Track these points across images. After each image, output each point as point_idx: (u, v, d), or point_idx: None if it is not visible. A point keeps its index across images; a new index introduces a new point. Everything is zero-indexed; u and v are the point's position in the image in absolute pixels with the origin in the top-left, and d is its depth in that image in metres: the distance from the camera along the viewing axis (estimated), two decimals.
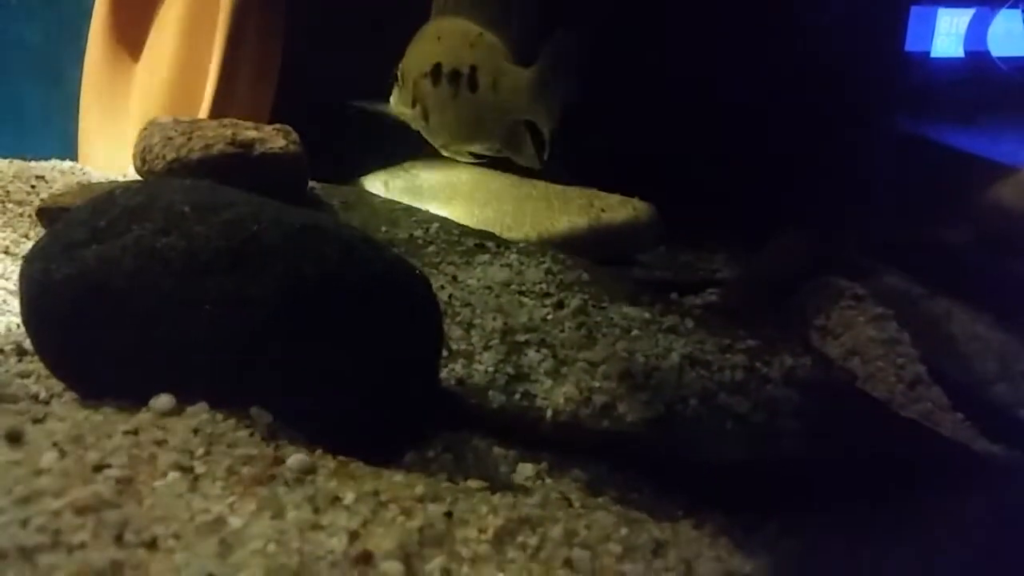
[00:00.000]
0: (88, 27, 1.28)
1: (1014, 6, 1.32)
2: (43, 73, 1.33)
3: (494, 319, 0.76)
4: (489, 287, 0.81)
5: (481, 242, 0.90)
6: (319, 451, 0.57)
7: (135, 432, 0.55)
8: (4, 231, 0.98)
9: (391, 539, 0.47)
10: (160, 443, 0.54)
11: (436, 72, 1.00)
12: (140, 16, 1.26)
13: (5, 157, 1.26)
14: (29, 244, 0.90)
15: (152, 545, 0.45)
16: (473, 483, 0.59)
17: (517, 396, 0.69)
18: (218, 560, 0.44)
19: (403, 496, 0.52)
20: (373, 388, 0.62)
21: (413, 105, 1.03)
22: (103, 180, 1.17)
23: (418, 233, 0.91)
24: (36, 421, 0.57)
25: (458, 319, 0.76)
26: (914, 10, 1.35)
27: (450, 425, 0.67)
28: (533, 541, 0.51)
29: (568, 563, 0.51)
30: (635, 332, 0.75)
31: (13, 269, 0.88)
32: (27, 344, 0.68)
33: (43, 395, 0.64)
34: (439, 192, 1.14)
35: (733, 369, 0.71)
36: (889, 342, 0.90)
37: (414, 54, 1.03)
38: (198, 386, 0.60)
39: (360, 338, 0.61)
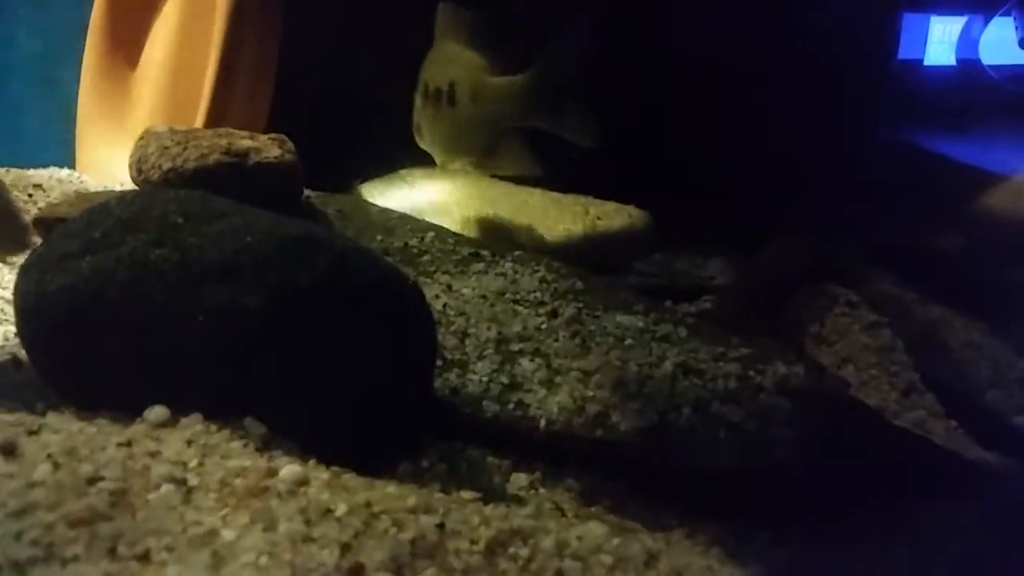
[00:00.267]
0: (85, 35, 1.28)
1: (1006, 14, 1.32)
2: (41, 81, 1.34)
3: (488, 328, 0.76)
4: (484, 296, 0.81)
5: (476, 251, 0.90)
6: (312, 462, 0.57)
7: (129, 444, 0.55)
8: None
9: (383, 551, 0.48)
10: (154, 455, 0.55)
11: (424, 92, 1.03)
12: (137, 24, 1.27)
13: (2, 166, 1.26)
14: (26, 254, 0.90)
15: (145, 558, 0.45)
16: (466, 493, 0.59)
17: (511, 405, 0.69)
18: (210, 573, 0.45)
19: (395, 507, 0.52)
20: (367, 398, 0.62)
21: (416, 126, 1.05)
22: (100, 189, 1.17)
23: (413, 242, 0.91)
24: (31, 433, 0.57)
25: (452, 328, 0.76)
26: (907, 18, 1.36)
27: (444, 435, 0.67)
28: (524, 552, 0.52)
29: (559, 574, 0.51)
30: (629, 341, 0.76)
31: (10, 279, 0.88)
32: (22, 355, 0.69)
33: (38, 406, 0.64)
34: (435, 200, 1.14)
35: (726, 378, 0.71)
36: (883, 349, 0.90)
37: (419, 78, 1.05)
38: (192, 397, 0.60)
39: (353, 348, 0.61)
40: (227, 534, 0.47)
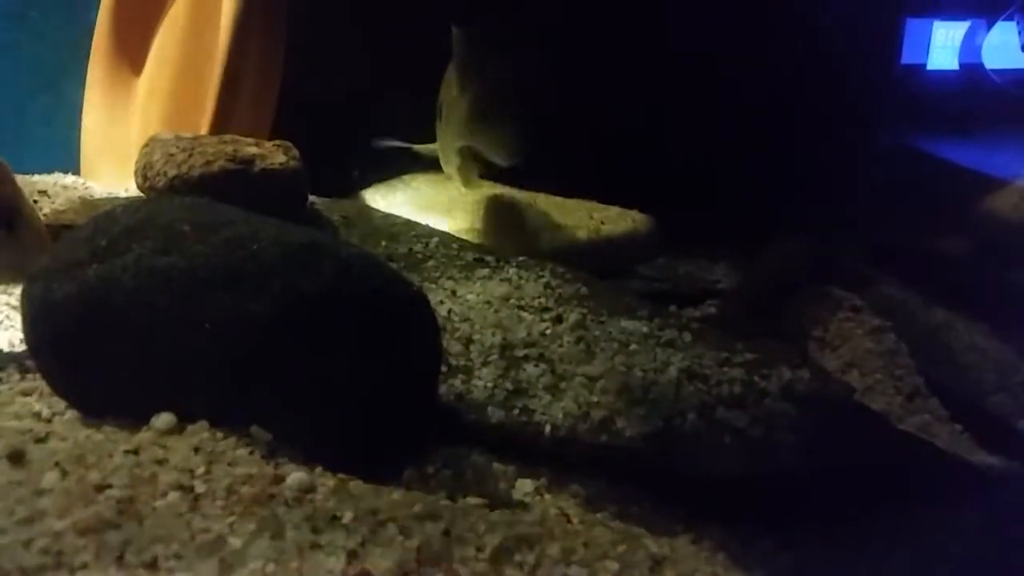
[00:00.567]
0: (91, 42, 1.29)
1: (1009, 19, 1.32)
2: (46, 88, 1.34)
3: (493, 334, 0.76)
4: (488, 302, 0.81)
5: (480, 256, 0.91)
6: (319, 469, 0.58)
7: (136, 451, 0.56)
8: None
9: (389, 558, 0.48)
10: (161, 462, 0.55)
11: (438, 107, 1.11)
12: (142, 32, 1.27)
13: None
14: None
15: (153, 565, 0.45)
16: (472, 500, 0.59)
17: (516, 411, 0.69)
18: None
19: (401, 514, 0.53)
20: (372, 405, 0.62)
21: None
22: (105, 196, 1.18)
23: (418, 248, 0.92)
24: (38, 440, 0.58)
25: (457, 334, 0.76)
26: (910, 23, 1.36)
27: (449, 441, 0.67)
28: (531, 559, 0.52)
29: None
30: (633, 346, 0.76)
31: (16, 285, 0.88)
32: (29, 362, 0.69)
33: (45, 413, 0.64)
34: (439, 205, 1.14)
35: (731, 383, 0.71)
36: (887, 354, 0.90)
37: None
38: (199, 404, 0.61)
39: (358, 355, 0.61)
40: (234, 541, 0.48)
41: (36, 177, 1.28)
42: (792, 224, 1.12)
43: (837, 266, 1.04)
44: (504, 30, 1.11)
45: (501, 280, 0.86)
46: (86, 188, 1.25)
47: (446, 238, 0.94)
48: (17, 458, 0.54)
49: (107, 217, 0.66)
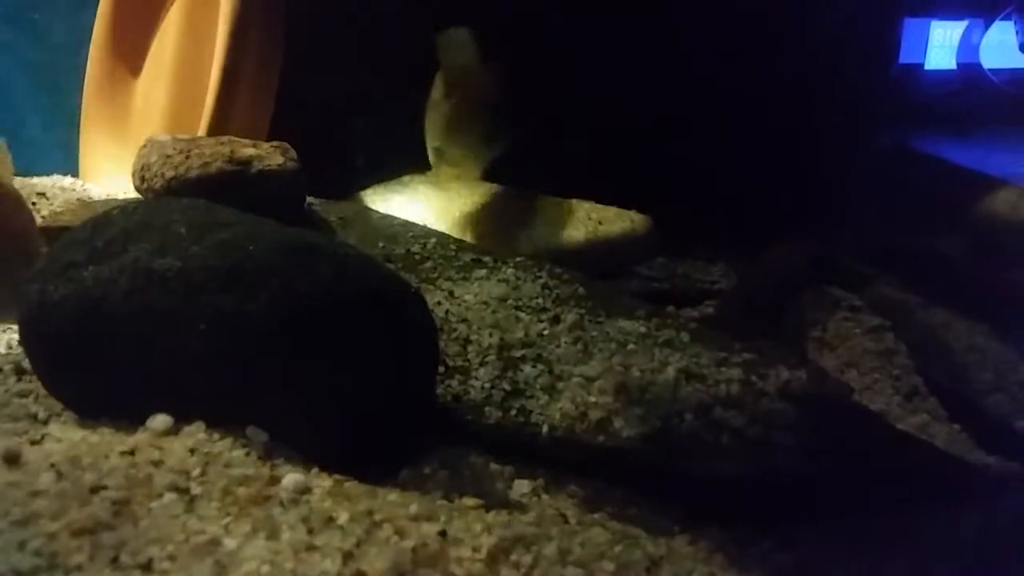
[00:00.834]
0: (89, 44, 1.29)
1: (1006, 19, 1.32)
2: (44, 89, 1.34)
3: (490, 335, 0.76)
4: (486, 302, 0.81)
5: (478, 257, 0.90)
6: (315, 470, 0.58)
7: (132, 452, 0.55)
8: None
9: (384, 559, 0.48)
10: (157, 463, 0.55)
11: None
12: (140, 33, 1.27)
13: None
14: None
15: (147, 567, 0.45)
16: (468, 501, 0.59)
17: (513, 412, 0.69)
18: None
19: (397, 515, 0.53)
20: (368, 406, 0.62)
21: None
22: (103, 197, 1.18)
23: (415, 249, 0.91)
24: (34, 442, 0.58)
25: (455, 335, 0.76)
26: (908, 23, 1.36)
27: (446, 441, 0.67)
28: (527, 560, 0.52)
29: None
30: (631, 346, 0.75)
31: None
32: (26, 363, 0.69)
33: (41, 415, 0.65)
34: (437, 206, 1.14)
35: (729, 383, 0.71)
36: (886, 353, 0.90)
37: None
38: (195, 405, 0.61)
39: (355, 356, 0.61)
40: (229, 543, 0.48)
41: (35, 179, 1.28)
42: (790, 224, 1.11)
43: (835, 266, 1.04)
44: (490, 32, 1.12)
45: (499, 281, 0.86)
46: (84, 190, 1.26)
47: (444, 239, 0.94)
48: (13, 460, 0.54)
49: (104, 219, 0.67)
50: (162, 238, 0.63)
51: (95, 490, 0.51)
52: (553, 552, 0.53)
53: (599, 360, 0.73)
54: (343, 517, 0.51)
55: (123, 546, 0.46)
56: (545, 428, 0.67)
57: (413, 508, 0.54)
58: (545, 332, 0.77)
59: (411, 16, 1.19)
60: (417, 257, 0.90)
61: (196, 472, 0.54)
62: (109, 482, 0.51)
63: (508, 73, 1.08)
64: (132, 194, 0.99)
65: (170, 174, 0.88)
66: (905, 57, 1.36)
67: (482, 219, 1.11)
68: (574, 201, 1.16)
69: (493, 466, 0.66)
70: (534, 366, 0.73)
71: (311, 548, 0.48)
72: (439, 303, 0.80)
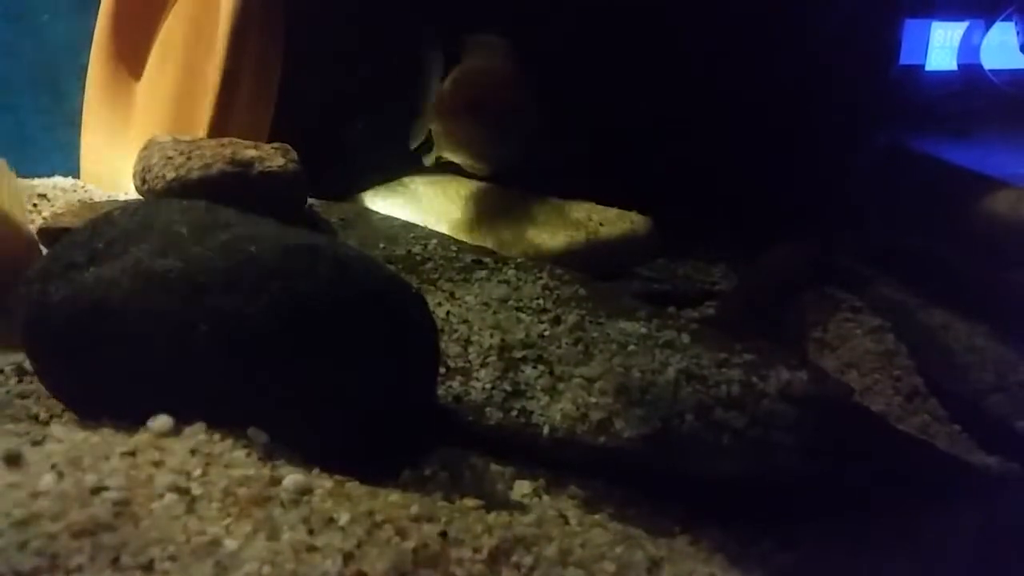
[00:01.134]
0: (90, 45, 1.29)
1: (1007, 19, 1.32)
2: (45, 91, 1.34)
3: (491, 336, 0.76)
4: (486, 303, 0.82)
5: (479, 258, 0.91)
6: (316, 471, 0.58)
7: (133, 453, 0.55)
8: None
9: (385, 560, 0.48)
10: (158, 464, 0.55)
11: None
12: (141, 35, 1.27)
13: None
14: None
15: (148, 568, 0.45)
16: (469, 501, 0.59)
17: (514, 413, 0.69)
18: None
19: (398, 516, 0.52)
20: (369, 407, 0.62)
21: None
22: (105, 199, 1.18)
23: (416, 250, 0.92)
24: (35, 443, 0.58)
25: (455, 336, 0.76)
26: (908, 23, 1.36)
27: (447, 442, 0.67)
28: (528, 561, 0.52)
29: None
30: (632, 347, 0.76)
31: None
32: (27, 364, 0.69)
33: (43, 416, 0.65)
34: (438, 207, 1.14)
35: (729, 384, 0.71)
36: (886, 354, 0.90)
37: None
38: (196, 406, 0.60)
39: (356, 357, 0.61)
40: (230, 543, 0.47)
41: (36, 181, 1.28)
42: (791, 225, 1.11)
43: (836, 267, 1.04)
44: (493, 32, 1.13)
45: (499, 282, 0.86)
46: (85, 191, 1.26)
47: (445, 240, 0.95)
48: (14, 460, 0.54)
49: (105, 220, 0.67)
50: (163, 239, 0.63)
51: (96, 491, 0.51)
52: (554, 553, 0.53)
53: (600, 361, 0.73)
54: (344, 518, 0.51)
55: (124, 547, 0.46)
56: (546, 429, 0.68)
57: (414, 509, 0.54)
58: (546, 333, 0.77)
59: (411, 16, 1.19)
60: (418, 258, 0.90)
61: (197, 473, 0.54)
62: (110, 483, 0.51)
63: (519, 76, 1.09)
64: (133, 195, 1.00)
65: (171, 175, 0.88)
66: (906, 58, 1.37)
67: (483, 220, 1.11)
68: (575, 202, 1.16)
69: (494, 467, 0.66)
70: (535, 367, 0.73)
71: (312, 549, 0.48)
72: (440, 304, 0.80)
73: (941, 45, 1.38)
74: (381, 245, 0.92)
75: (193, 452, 0.56)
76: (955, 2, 1.37)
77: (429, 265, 0.89)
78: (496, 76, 1.09)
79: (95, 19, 1.28)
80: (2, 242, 0.83)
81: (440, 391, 0.70)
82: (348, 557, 0.48)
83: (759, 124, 1.23)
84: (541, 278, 0.87)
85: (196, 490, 0.52)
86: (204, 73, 1.12)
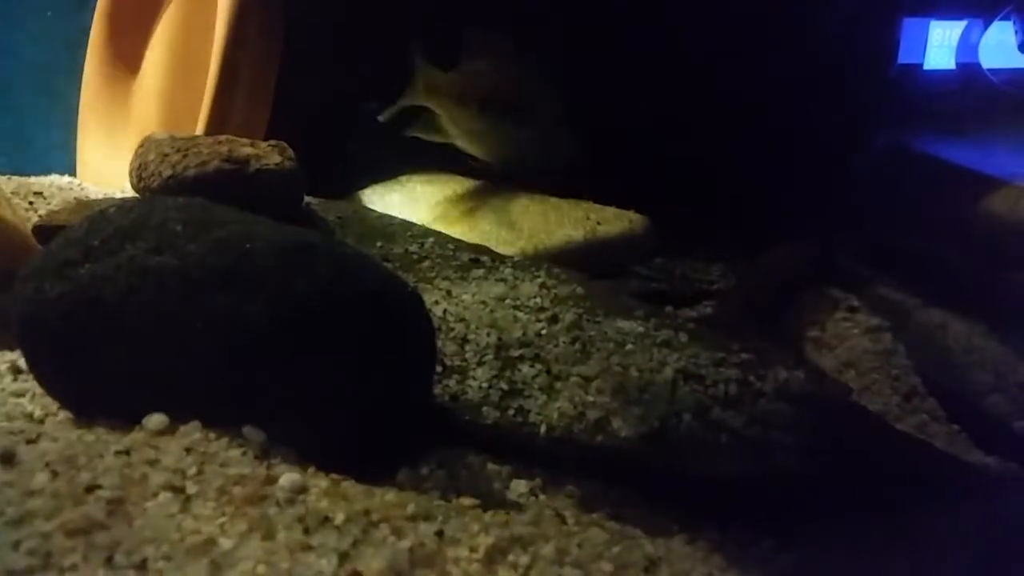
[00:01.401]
0: (86, 44, 1.28)
1: (1006, 18, 1.32)
2: (42, 90, 1.34)
3: (488, 334, 0.76)
4: (484, 302, 0.81)
5: (476, 257, 0.90)
6: (312, 469, 0.57)
7: (127, 452, 0.55)
8: None
9: (381, 559, 0.47)
10: (152, 463, 0.54)
11: None
12: (137, 33, 1.27)
13: (4, 173, 1.26)
14: None
15: (142, 567, 0.45)
16: (466, 500, 0.59)
17: (511, 412, 0.69)
18: None
19: (394, 515, 0.52)
20: (366, 405, 0.62)
21: None
22: (101, 196, 1.18)
23: (413, 248, 0.91)
24: (29, 441, 0.57)
25: (452, 334, 0.76)
26: (907, 22, 1.36)
27: (444, 441, 0.67)
28: (524, 560, 0.51)
29: None
30: (629, 346, 0.75)
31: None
32: (22, 363, 0.69)
33: (38, 414, 0.64)
34: (435, 206, 1.14)
35: (727, 383, 0.71)
36: (884, 354, 0.89)
37: None
38: (191, 405, 0.60)
39: (352, 355, 0.61)
40: (225, 543, 0.47)
41: (33, 178, 1.28)
42: (789, 225, 1.11)
43: (834, 266, 1.04)
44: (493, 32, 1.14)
45: (497, 280, 0.86)
46: (82, 189, 1.25)
47: (441, 238, 0.94)
48: (8, 459, 0.54)
49: (100, 217, 0.66)
50: (159, 236, 0.63)
51: (90, 489, 0.50)
52: (551, 552, 0.53)
53: (597, 360, 0.73)
54: (340, 517, 0.51)
55: (118, 546, 0.46)
56: (543, 428, 0.67)
57: (410, 508, 0.54)
58: (543, 332, 0.77)
59: (410, 16, 1.19)
60: (415, 256, 0.90)
61: (192, 471, 0.54)
62: (104, 481, 0.51)
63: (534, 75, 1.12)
64: (130, 193, 0.99)
65: (167, 173, 0.88)
66: (904, 57, 1.36)
67: (480, 219, 1.11)
68: (573, 201, 1.16)
69: (491, 466, 0.66)
70: (532, 366, 0.72)
71: (307, 548, 0.48)
72: (437, 302, 0.80)
73: (940, 44, 1.38)
74: (378, 243, 0.92)
75: (188, 451, 0.56)
76: (954, 1, 1.37)
77: (426, 263, 0.89)
78: (514, 73, 1.09)
79: (92, 17, 1.28)
80: None
81: (437, 390, 0.69)
82: (344, 556, 0.47)
83: (758, 124, 1.23)
84: (538, 277, 0.86)
85: (191, 489, 0.52)
86: (201, 71, 1.12)
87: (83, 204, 1.01)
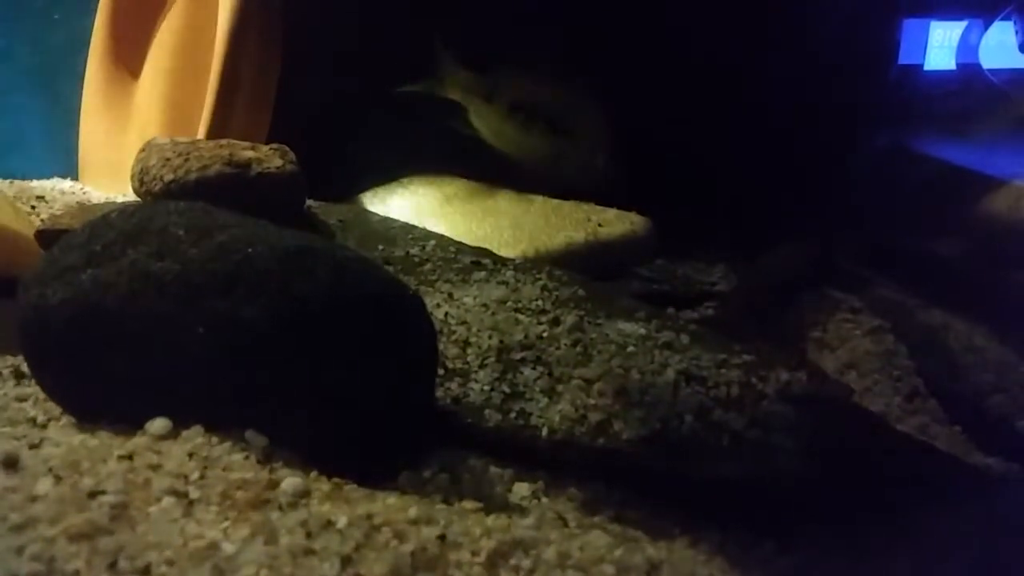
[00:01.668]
0: (88, 48, 1.29)
1: (1006, 19, 1.32)
2: (44, 94, 1.34)
3: (490, 337, 0.76)
4: (485, 305, 0.81)
5: (478, 259, 0.90)
6: (314, 473, 0.58)
7: (130, 457, 0.55)
8: None
9: (383, 563, 0.47)
10: (155, 467, 0.55)
11: None
12: (139, 37, 1.27)
13: (6, 177, 1.26)
14: None
15: (145, 572, 0.45)
16: (468, 504, 0.59)
17: (513, 415, 0.69)
18: None
19: (396, 519, 0.52)
20: (368, 409, 0.62)
21: None
22: (103, 201, 1.18)
23: (415, 251, 0.91)
24: (32, 446, 0.58)
25: (454, 337, 0.76)
26: (907, 23, 1.36)
27: (446, 444, 0.67)
28: (526, 564, 0.51)
29: None
30: (631, 348, 0.75)
31: None
32: (25, 367, 0.69)
33: (40, 419, 0.64)
34: (437, 208, 1.14)
35: (728, 385, 0.71)
36: (886, 355, 0.89)
37: None
38: (194, 409, 0.60)
39: (354, 359, 0.61)
40: (228, 547, 0.47)
41: (35, 182, 1.28)
42: (790, 226, 1.11)
43: (835, 268, 1.04)
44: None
45: (498, 283, 0.86)
46: (84, 193, 1.26)
47: (443, 241, 0.94)
48: (11, 464, 0.54)
49: (102, 222, 0.66)
50: (160, 241, 0.63)
51: (93, 495, 0.50)
52: (553, 556, 0.53)
53: (599, 362, 0.73)
54: (342, 521, 0.51)
55: (121, 551, 0.46)
56: (545, 431, 0.67)
57: (412, 512, 0.54)
58: (544, 334, 0.77)
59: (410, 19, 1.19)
60: (416, 259, 0.90)
61: (195, 476, 0.54)
62: (107, 486, 0.51)
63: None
64: (131, 197, 0.99)
65: (169, 177, 0.88)
66: (904, 58, 1.36)
67: (481, 221, 1.11)
68: (574, 203, 1.16)
69: (493, 469, 0.66)
70: (534, 368, 0.72)
71: (310, 552, 0.48)
72: (438, 305, 0.80)
73: (940, 45, 1.38)
74: (379, 247, 0.92)
75: (191, 455, 0.56)
76: (954, 1, 1.37)
77: (427, 266, 0.89)
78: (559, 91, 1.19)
79: (93, 21, 1.28)
80: None
81: (439, 393, 0.70)
82: (346, 561, 0.48)
83: (758, 125, 1.23)
84: (540, 279, 0.86)
85: (194, 493, 0.52)
86: (203, 74, 1.12)
87: (85, 208, 1.01)
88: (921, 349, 0.91)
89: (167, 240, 0.63)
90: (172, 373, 0.60)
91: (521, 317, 0.79)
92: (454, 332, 0.77)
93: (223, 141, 0.93)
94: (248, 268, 0.61)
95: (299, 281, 0.60)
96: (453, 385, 0.71)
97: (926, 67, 1.38)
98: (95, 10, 1.28)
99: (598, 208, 1.15)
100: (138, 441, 0.58)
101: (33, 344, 0.64)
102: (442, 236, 0.97)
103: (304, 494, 0.54)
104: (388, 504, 0.55)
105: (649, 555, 0.57)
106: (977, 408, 0.85)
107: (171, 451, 0.57)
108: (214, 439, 0.58)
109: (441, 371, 0.71)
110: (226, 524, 0.50)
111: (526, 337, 0.76)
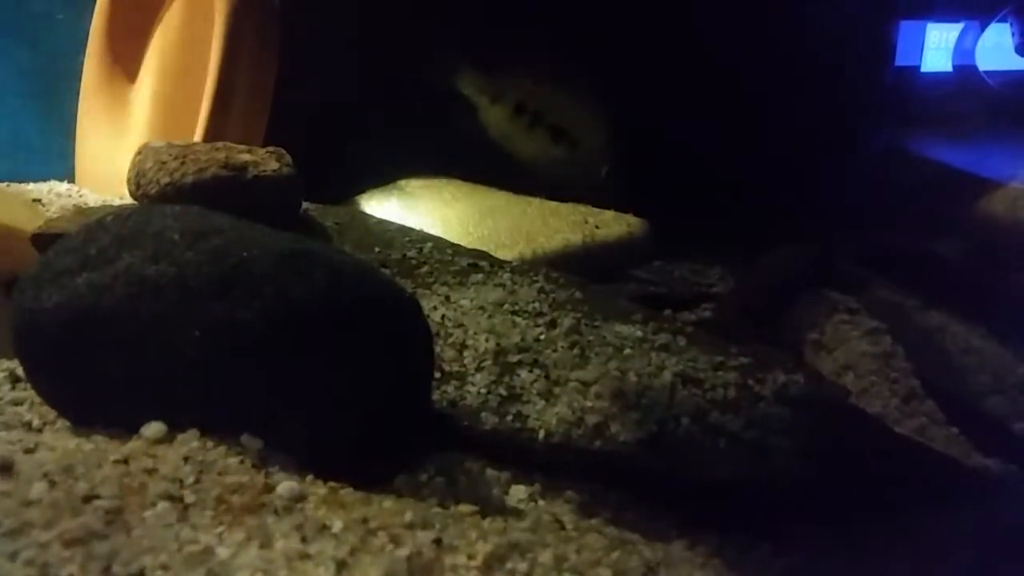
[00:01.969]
0: (84, 50, 1.29)
1: (1003, 21, 1.32)
2: (40, 96, 1.34)
3: (487, 340, 0.76)
4: (482, 307, 0.81)
5: (474, 262, 0.90)
6: (310, 477, 0.57)
7: (125, 461, 0.55)
8: None
9: (379, 568, 0.47)
10: (150, 472, 0.54)
11: None
12: (136, 40, 1.27)
13: (2, 180, 1.26)
14: None
15: None
16: (464, 507, 0.59)
17: (510, 417, 0.68)
18: None
19: (392, 523, 0.52)
20: (364, 412, 0.62)
21: None
22: (99, 204, 1.18)
23: (411, 254, 0.91)
24: (27, 451, 0.57)
25: (451, 340, 0.76)
26: (904, 25, 1.36)
27: (442, 447, 0.67)
28: (523, 567, 0.51)
29: None
30: (628, 351, 0.75)
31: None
32: (20, 371, 0.69)
33: (36, 423, 0.64)
34: (434, 211, 1.14)
35: (726, 387, 0.71)
36: (883, 356, 0.89)
37: None
38: (189, 413, 0.60)
39: (350, 362, 0.61)
40: (223, 552, 0.47)
41: (31, 185, 1.28)
42: (787, 227, 1.11)
43: (833, 269, 1.04)
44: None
45: (495, 285, 0.86)
46: (80, 196, 1.25)
47: (440, 244, 0.94)
48: (6, 468, 0.54)
49: (97, 226, 0.66)
50: (156, 245, 0.63)
51: (88, 499, 0.50)
52: (549, 559, 0.53)
53: (596, 364, 0.73)
54: (337, 525, 0.51)
55: (116, 556, 0.46)
56: (542, 433, 0.67)
57: (408, 515, 0.54)
58: (541, 337, 0.77)
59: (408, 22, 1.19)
60: (413, 262, 0.90)
61: (190, 480, 0.54)
62: (102, 491, 0.51)
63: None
64: (128, 200, 0.99)
65: (165, 180, 0.88)
66: (901, 59, 1.37)
67: (478, 223, 1.11)
68: (570, 205, 1.16)
69: (489, 472, 0.66)
70: (530, 371, 0.72)
71: (305, 557, 0.48)
72: (435, 308, 0.80)
73: (937, 46, 1.38)
74: (376, 249, 0.92)
75: (186, 459, 0.56)
76: (951, 3, 1.37)
77: (424, 269, 0.89)
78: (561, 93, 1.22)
79: (90, 24, 1.28)
80: None
81: (435, 396, 0.69)
82: (341, 565, 0.47)
83: (757, 126, 1.23)
84: (537, 281, 0.86)
85: (189, 498, 0.52)
86: (198, 77, 1.12)
87: (81, 211, 1.01)
88: (919, 350, 0.90)
89: (163, 244, 0.63)
90: (167, 377, 0.60)
91: (518, 319, 0.79)
92: (451, 335, 0.76)
93: (219, 144, 0.93)
94: (244, 271, 0.60)
95: (295, 284, 0.60)
96: (450, 388, 0.71)
97: (923, 69, 1.39)
98: (92, 13, 1.27)
99: (595, 210, 1.15)
100: (133, 445, 0.58)
101: (28, 348, 0.64)
102: (439, 238, 0.96)
103: (300, 498, 0.54)
104: (384, 508, 0.55)
105: (646, 558, 0.56)
106: (975, 409, 0.85)
107: (166, 455, 0.56)
108: (209, 443, 0.58)
109: (438, 374, 0.71)
110: (221, 528, 0.49)
111: (523, 339, 0.76)
